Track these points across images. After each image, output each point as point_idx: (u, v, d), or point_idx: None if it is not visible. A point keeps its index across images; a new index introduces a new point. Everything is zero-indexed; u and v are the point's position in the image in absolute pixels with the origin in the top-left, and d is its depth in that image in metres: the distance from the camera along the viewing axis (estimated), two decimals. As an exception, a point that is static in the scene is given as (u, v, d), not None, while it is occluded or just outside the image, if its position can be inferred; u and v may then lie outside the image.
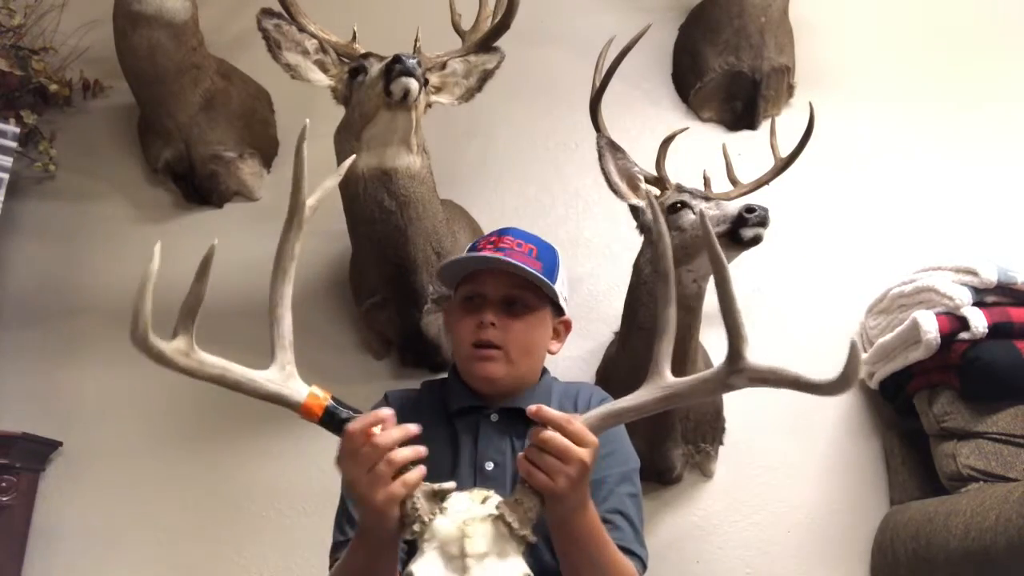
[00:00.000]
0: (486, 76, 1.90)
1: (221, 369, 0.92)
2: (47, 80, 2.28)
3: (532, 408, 0.95)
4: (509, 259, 1.26)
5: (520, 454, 0.95)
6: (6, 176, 2.09)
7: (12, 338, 2.20)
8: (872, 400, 2.22)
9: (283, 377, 0.94)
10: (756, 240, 1.63)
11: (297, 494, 2.06)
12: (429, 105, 1.85)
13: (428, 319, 1.99)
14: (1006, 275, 1.91)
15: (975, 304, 1.91)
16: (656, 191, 1.88)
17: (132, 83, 2.14)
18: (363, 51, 1.81)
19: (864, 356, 2.17)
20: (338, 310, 2.22)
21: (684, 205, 1.75)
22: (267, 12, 1.80)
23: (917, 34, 2.62)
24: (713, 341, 2.05)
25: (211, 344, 0.92)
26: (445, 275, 1.40)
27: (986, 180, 2.43)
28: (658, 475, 2.02)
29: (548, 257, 1.34)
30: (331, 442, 0.95)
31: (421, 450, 0.93)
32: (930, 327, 1.90)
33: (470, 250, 1.37)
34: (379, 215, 1.79)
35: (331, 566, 1.16)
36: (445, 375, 1.40)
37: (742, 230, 1.62)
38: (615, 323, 2.01)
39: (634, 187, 1.87)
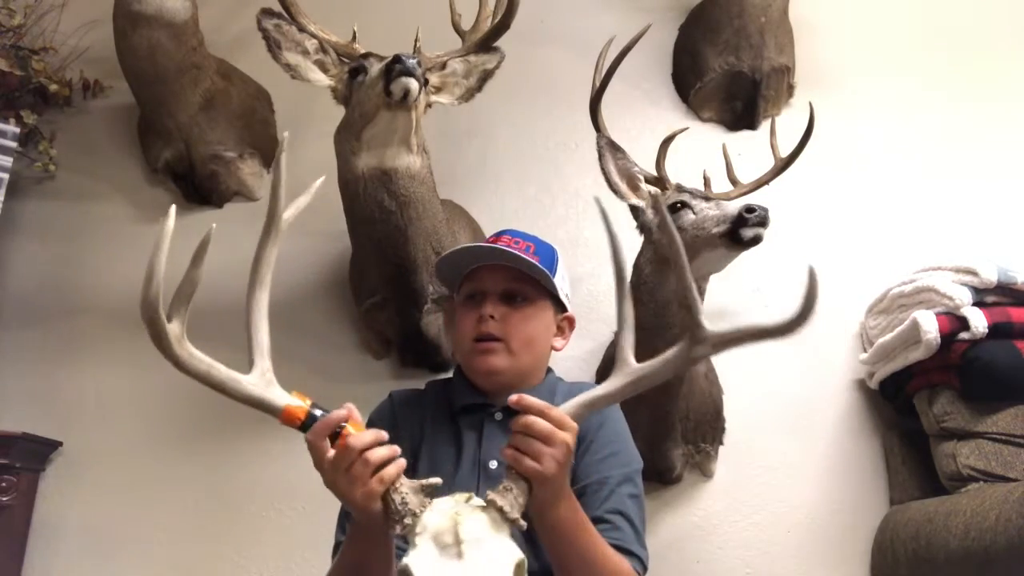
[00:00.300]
0: (486, 76, 1.90)
1: (207, 366, 0.93)
2: (47, 80, 2.28)
3: (514, 397, 0.97)
4: (505, 247, 1.27)
5: (503, 445, 0.96)
6: (6, 176, 2.09)
7: (12, 338, 2.20)
8: (872, 400, 2.22)
9: (264, 383, 0.94)
10: (756, 240, 1.62)
11: (297, 494, 2.06)
12: (429, 105, 1.85)
13: (428, 319, 1.99)
14: (1006, 275, 1.91)
15: (975, 304, 1.91)
16: (656, 191, 1.88)
17: (132, 83, 2.13)
18: (363, 51, 1.81)
19: (864, 356, 2.18)
20: (338, 310, 2.22)
21: (684, 205, 1.75)
22: (267, 12, 1.80)
23: (917, 34, 2.62)
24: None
25: (209, 343, 0.92)
26: (444, 272, 1.40)
27: (986, 180, 2.43)
28: (658, 475, 2.02)
29: (546, 253, 1.34)
30: (330, 442, 0.95)
31: (396, 449, 0.94)
32: (930, 327, 1.90)
33: None
34: (379, 215, 1.79)
35: None
36: (448, 375, 1.41)
37: (742, 230, 1.62)
38: (615, 323, 2.00)
39: (634, 187, 1.87)
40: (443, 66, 1.88)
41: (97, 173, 2.37)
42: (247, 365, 0.95)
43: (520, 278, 1.30)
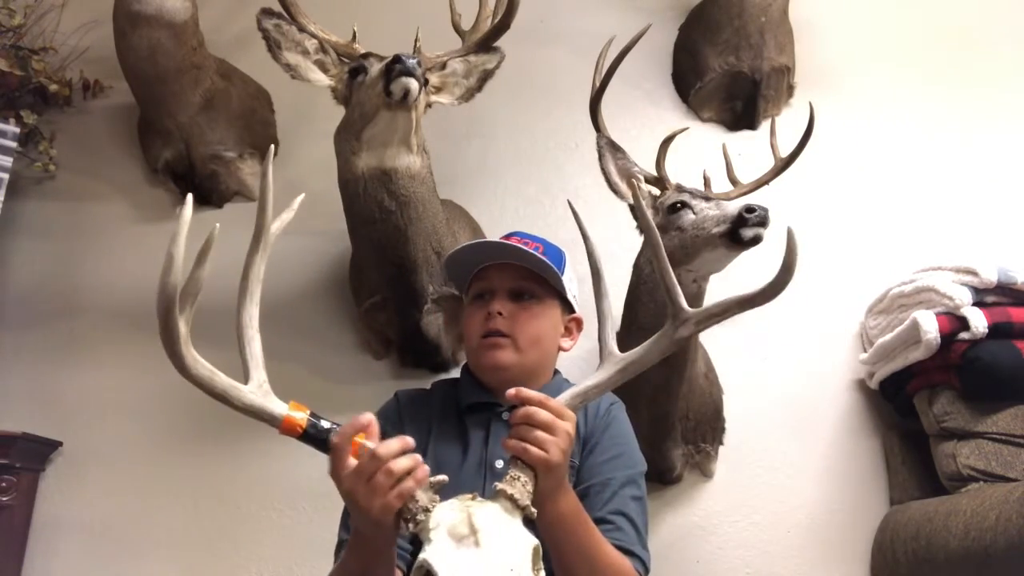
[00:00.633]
0: (486, 76, 1.90)
1: (210, 373, 0.92)
2: (47, 80, 2.28)
3: (512, 391, 0.99)
4: (514, 244, 1.28)
5: (505, 437, 0.98)
6: (6, 176, 2.09)
7: (12, 338, 2.20)
8: (872, 400, 2.22)
9: (261, 394, 0.94)
10: (756, 240, 1.62)
11: (297, 494, 2.06)
12: (429, 105, 1.85)
13: (428, 319, 1.99)
14: (1006, 275, 1.91)
15: (975, 304, 1.91)
16: (656, 191, 1.88)
17: (132, 83, 2.13)
18: (363, 51, 1.81)
19: (864, 356, 2.18)
20: (338, 310, 2.22)
21: (684, 205, 1.75)
22: (267, 12, 1.80)
23: (917, 34, 2.61)
24: (713, 341, 2.06)
25: (206, 344, 0.92)
26: (453, 270, 1.41)
27: (986, 180, 2.44)
28: (658, 475, 2.02)
29: (554, 254, 1.35)
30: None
31: (418, 458, 0.93)
32: (930, 327, 1.90)
33: None
34: (379, 215, 1.79)
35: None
36: (451, 375, 1.41)
37: (742, 230, 1.62)
38: (615, 323, 2.00)
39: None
40: (443, 66, 1.88)
41: (97, 173, 2.37)
42: (242, 373, 0.95)
43: (529, 276, 1.31)
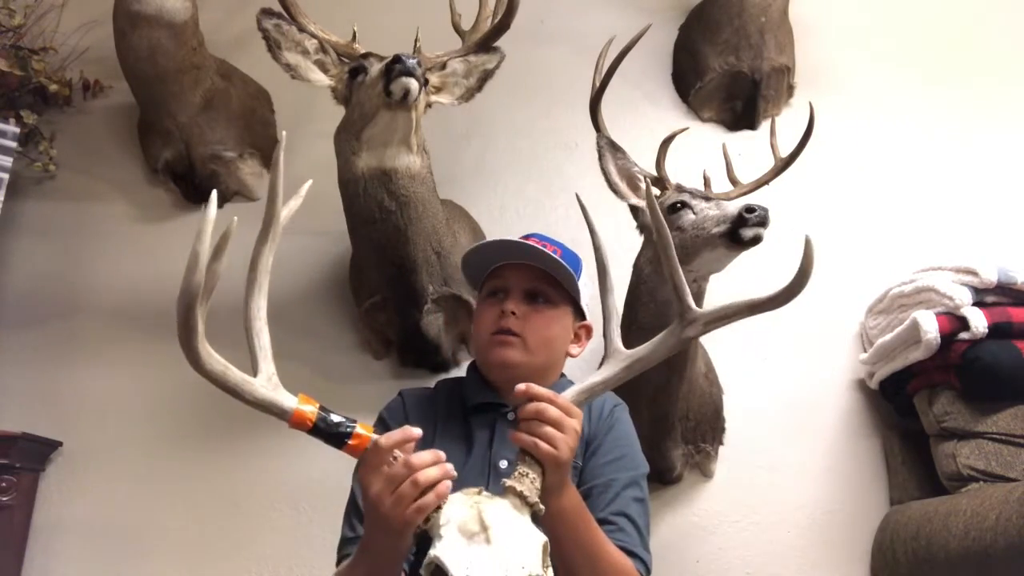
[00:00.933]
0: (486, 76, 1.90)
1: (223, 368, 0.92)
2: (47, 80, 2.28)
3: (521, 387, 1.00)
4: (533, 245, 1.28)
5: (513, 432, 0.98)
6: (6, 176, 2.09)
7: (12, 338, 2.20)
8: (872, 400, 2.22)
9: (271, 387, 0.94)
10: (756, 240, 1.63)
11: (298, 494, 2.06)
12: (429, 105, 1.85)
13: (428, 319, 1.99)
14: (1006, 275, 1.91)
15: (975, 304, 1.91)
16: (657, 191, 1.88)
17: (132, 83, 2.13)
18: (363, 51, 1.81)
19: (864, 356, 2.18)
20: (338, 310, 2.22)
21: (684, 205, 1.75)
22: (267, 12, 1.80)
23: (917, 34, 2.62)
24: (713, 341, 2.06)
25: (207, 342, 0.92)
26: (470, 266, 1.41)
27: (986, 180, 2.44)
28: (658, 475, 2.02)
29: (572, 259, 1.36)
30: (331, 442, 0.94)
31: (447, 469, 0.93)
32: (930, 327, 1.90)
33: None
34: (379, 215, 1.79)
35: (339, 561, 1.18)
36: (452, 374, 1.41)
37: (742, 230, 1.62)
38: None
39: (634, 187, 1.87)
40: (443, 66, 1.88)
41: (97, 173, 2.37)
42: (250, 368, 0.95)
43: (544, 279, 1.32)
